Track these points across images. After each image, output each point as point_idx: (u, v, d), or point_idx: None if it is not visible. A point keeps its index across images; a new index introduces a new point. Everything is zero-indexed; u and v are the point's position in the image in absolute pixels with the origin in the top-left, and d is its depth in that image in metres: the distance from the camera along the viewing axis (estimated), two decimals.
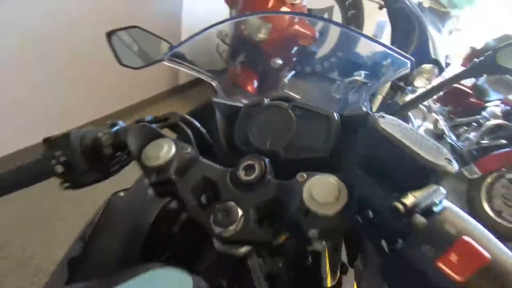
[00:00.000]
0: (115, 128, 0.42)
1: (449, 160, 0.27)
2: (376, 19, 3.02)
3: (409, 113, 2.22)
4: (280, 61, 1.18)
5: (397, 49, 0.55)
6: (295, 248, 0.39)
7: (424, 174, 0.26)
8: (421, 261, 0.24)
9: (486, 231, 0.24)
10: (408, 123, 0.44)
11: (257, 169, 0.34)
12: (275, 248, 0.36)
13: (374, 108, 2.25)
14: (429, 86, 2.27)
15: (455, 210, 0.25)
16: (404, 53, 0.55)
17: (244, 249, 0.33)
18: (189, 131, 0.41)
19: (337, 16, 3.70)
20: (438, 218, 0.24)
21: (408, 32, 2.00)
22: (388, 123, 0.29)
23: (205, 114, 0.44)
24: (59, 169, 0.39)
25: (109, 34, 0.59)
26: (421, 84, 2.24)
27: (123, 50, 0.58)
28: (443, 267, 0.22)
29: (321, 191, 0.30)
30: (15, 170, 0.40)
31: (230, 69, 1.79)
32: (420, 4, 2.16)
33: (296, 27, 2.01)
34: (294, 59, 1.80)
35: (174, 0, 2.50)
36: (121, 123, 0.43)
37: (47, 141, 0.41)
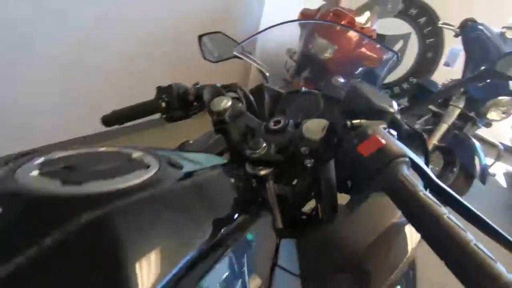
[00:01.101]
0: (197, 86, 0.64)
1: (391, 105, 0.43)
2: (449, 45, 2.90)
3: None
4: (342, 80, 1.28)
5: (381, 44, 0.68)
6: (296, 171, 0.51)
7: (376, 113, 0.42)
8: (351, 150, 0.39)
9: (391, 137, 0.38)
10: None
11: (282, 122, 0.49)
12: (285, 175, 0.50)
13: (436, 139, 2.13)
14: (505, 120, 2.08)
15: (381, 132, 0.39)
16: (388, 47, 0.70)
17: (264, 171, 0.47)
18: (242, 97, 0.60)
19: (414, 44, 3.64)
20: (367, 131, 0.39)
21: (483, 61, 1.92)
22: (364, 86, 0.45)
23: (257, 93, 0.62)
24: (163, 105, 0.62)
25: (200, 36, 0.81)
26: (496, 117, 2.06)
27: (207, 48, 0.80)
28: (359, 149, 0.37)
29: (313, 125, 0.46)
30: (134, 106, 0.64)
31: (294, 83, 1.96)
32: (502, 34, 2.06)
33: (363, 49, 2.10)
34: (358, 79, 1.88)
35: (254, 17, 2.81)
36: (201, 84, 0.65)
37: (158, 87, 0.64)
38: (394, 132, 0.40)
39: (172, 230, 0.28)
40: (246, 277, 0.34)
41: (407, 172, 0.35)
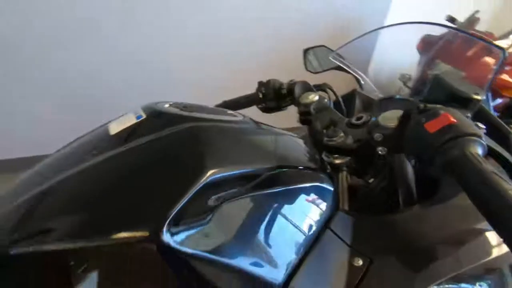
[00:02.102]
0: (291, 82, 0.72)
1: (478, 93, 0.42)
2: None
3: None
4: None
5: (488, 39, 0.58)
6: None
7: (460, 100, 0.41)
8: (417, 128, 0.38)
9: (467, 119, 0.37)
10: None
11: (364, 118, 0.52)
12: (359, 168, 0.49)
13: None
14: None
15: (455, 112, 0.38)
16: (495, 43, 0.65)
17: (339, 160, 0.49)
18: (330, 95, 0.67)
19: None
20: (438, 110, 0.38)
21: None
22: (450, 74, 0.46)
23: (349, 98, 0.63)
24: (260, 96, 0.75)
25: (305, 50, 0.87)
26: None
27: (310, 60, 0.86)
28: (426, 127, 0.37)
29: (390, 114, 0.48)
30: (240, 97, 0.75)
31: None
32: None
33: (503, 76, 1.78)
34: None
35: (370, 39, 2.75)
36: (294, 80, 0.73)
37: (259, 82, 0.76)
38: (482, 126, 0.36)
39: (244, 156, 0.38)
40: (297, 225, 0.37)
41: (479, 153, 0.32)
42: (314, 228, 0.39)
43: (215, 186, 0.31)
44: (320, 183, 0.42)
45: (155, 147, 0.34)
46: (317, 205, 0.41)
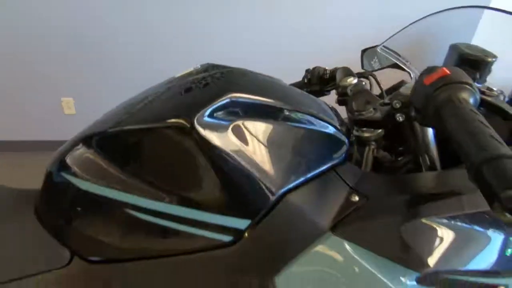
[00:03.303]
0: (334, 68, 0.76)
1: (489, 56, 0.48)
2: None
3: None
4: None
5: None
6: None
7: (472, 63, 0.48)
8: (419, 87, 0.41)
9: (464, 72, 0.38)
10: None
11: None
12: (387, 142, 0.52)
13: None
14: None
15: (454, 68, 0.39)
16: None
17: (367, 134, 0.50)
18: (371, 82, 0.68)
19: None
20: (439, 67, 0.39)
21: None
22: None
23: (396, 88, 0.63)
24: (305, 80, 0.80)
25: (363, 51, 0.86)
26: None
27: (367, 60, 0.85)
28: (425, 81, 0.39)
29: (409, 84, 0.51)
30: (292, 84, 0.77)
31: None
32: None
33: None
34: None
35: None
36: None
37: (306, 70, 0.80)
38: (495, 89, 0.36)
39: (268, 92, 0.45)
40: (302, 155, 0.44)
41: (468, 100, 0.34)
42: (318, 165, 0.45)
43: (236, 104, 0.41)
44: (335, 133, 0.47)
45: (198, 79, 0.47)
46: (327, 149, 0.47)
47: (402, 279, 0.38)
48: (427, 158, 0.48)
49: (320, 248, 0.39)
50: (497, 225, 0.41)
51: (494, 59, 0.50)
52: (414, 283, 0.39)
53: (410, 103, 0.45)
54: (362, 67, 0.83)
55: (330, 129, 0.48)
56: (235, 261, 0.41)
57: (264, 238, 0.40)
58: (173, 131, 0.39)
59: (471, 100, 0.36)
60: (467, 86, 0.36)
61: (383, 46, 0.73)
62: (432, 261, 0.38)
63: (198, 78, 0.47)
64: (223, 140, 0.39)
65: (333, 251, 0.39)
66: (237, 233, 0.40)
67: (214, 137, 0.39)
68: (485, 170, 0.27)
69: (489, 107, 0.47)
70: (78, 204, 0.43)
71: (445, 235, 0.40)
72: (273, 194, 0.40)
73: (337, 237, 0.39)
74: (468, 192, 0.42)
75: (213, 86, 0.44)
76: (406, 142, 0.53)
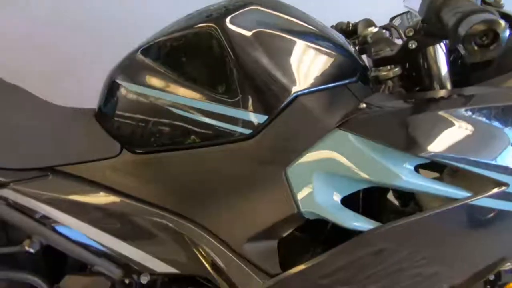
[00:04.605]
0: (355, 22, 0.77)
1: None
2: None
3: None
4: None
5: None
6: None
7: None
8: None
9: None
10: None
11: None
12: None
13: None
14: None
15: None
16: None
17: (384, 72, 0.52)
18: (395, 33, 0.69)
19: None
20: None
21: None
22: None
23: None
24: None
25: (391, 18, 0.89)
26: None
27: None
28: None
29: None
30: None
31: None
32: None
33: None
34: None
35: None
36: None
37: (331, 26, 0.79)
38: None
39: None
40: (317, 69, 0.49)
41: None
42: (332, 79, 0.49)
43: (258, 14, 0.48)
44: (349, 56, 0.52)
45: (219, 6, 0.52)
46: (341, 68, 0.51)
47: (405, 164, 0.42)
48: (440, 80, 0.51)
49: (327, 141, 0.44)
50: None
51: None
52: (414, 168, 0.42)
53: (421, 23, 0.48)
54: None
55: (345, 53, 0.53)
56: (253, 152, 0.47)
57: (278, 133, 0.47)
58: (202, 34, 0.47)
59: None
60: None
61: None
62: (437, 147, 0.42)
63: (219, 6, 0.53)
64: (246, 42, 0.46)
65: (340, 143, 0.44)
66: (256, 127, 0.46)
67: (238, 39, 0.46)
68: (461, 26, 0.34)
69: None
70: (130, 105, 0.52)
71: (456, 125, 0.42)
72: (289, 93, 0.46)
73: (343, 131, 0.44)
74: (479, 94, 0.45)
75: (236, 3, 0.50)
76: (421, 80, 0.54)
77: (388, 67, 0.53)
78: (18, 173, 0.51)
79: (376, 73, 0.54)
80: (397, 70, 0.53)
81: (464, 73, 0.54)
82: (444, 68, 0.51)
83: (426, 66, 0.52)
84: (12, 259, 0.57)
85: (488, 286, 0.58)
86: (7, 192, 0.50)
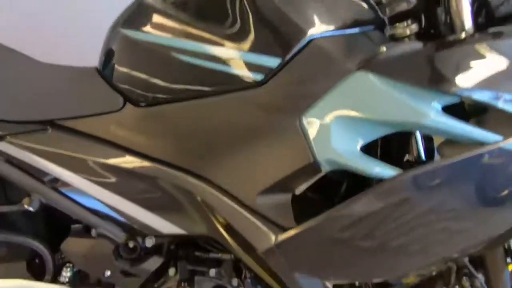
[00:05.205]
0: None
1: None
2: None
3: None
4: None
5: None
6: None
7: None
8: None
9: None
10: None
11: None
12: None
13: None
14: None
15: None
16: None
17: (400, 29, 0.48)
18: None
19: None
20: None
21: None
22: None
23: None
24: None
25: None
26: None
27: None
28: None
29: None
30: None
31: None
32: None
33: None
34: None
35: None
36: None
37: None
38: None
39: None
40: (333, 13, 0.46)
41: None
42: (349, 25, 0.46)
43: None
44: (364, 5, 0.48)
45: None
46: (357, 14, 0.47)
47: (433, 103, 0.39)
48: (462, 24, 0.47)
49: (347, 83, 0.41)
50: None
51: None
52: (441, 108, 0.39)
53: None
54: None
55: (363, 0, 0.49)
56: (264, 99, 0.44)
57: (292, 78, 0.43)
58: None
59: None
60: None
61: None
62: (468, 83, 0.38)
63: None
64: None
65: (361, 85, 0.41)
66: (269, 72, 0.43)
67: None
68: None
69: None
70: (133, 55, 0.49)
71: (490, 59, 0.39)
72: (304, 35, 0.43)
73: (365, 72, 0.40)
74: None
75: None
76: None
77: (405, 23, 0.49)
78: (15, 125, 0.48)
79: (392, 30, 0.50)
80: (414, 27, 0.49)
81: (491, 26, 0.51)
82: (468, 21, 0.47)
83: (447, 19, 0.48)
84: (11, 221, 0.54)
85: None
86: (3, 145, 0.47)
